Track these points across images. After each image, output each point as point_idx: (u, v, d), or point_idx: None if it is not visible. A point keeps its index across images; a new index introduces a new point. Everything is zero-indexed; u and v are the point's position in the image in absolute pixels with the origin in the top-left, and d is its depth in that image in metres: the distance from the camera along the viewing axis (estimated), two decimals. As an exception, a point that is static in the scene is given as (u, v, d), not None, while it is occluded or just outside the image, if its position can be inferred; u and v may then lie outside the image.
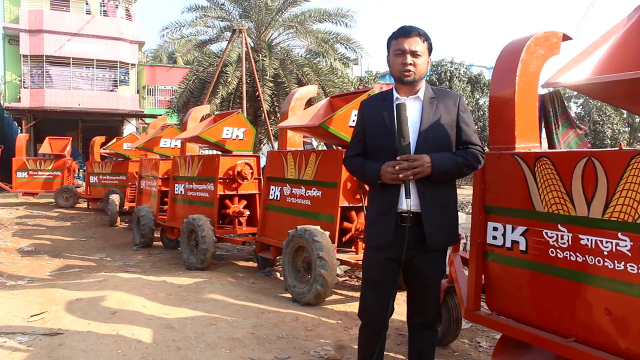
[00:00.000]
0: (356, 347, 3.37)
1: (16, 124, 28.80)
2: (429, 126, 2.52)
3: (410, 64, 2.50)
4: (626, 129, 36.56)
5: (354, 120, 5.15)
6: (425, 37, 2.54)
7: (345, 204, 5.26)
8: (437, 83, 31.59)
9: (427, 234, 2.49)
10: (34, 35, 25.32)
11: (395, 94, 2.61)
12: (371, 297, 2.64)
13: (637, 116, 33.76)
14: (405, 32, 2.53)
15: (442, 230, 2.54)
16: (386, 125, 2.55)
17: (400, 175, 2.41)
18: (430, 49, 2.59)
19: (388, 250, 2.53)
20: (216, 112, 12.22)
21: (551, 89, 4.01)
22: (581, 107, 36.57)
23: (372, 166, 2.55)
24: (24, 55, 25.38)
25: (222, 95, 16.41)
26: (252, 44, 17.17)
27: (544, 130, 5.46)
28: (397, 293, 5.59)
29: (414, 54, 2.51)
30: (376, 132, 2.60)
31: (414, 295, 2.68)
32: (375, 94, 2.81)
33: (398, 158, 2.43)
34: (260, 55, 16.53)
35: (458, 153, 2.55)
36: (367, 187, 3.86)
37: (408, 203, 2.43)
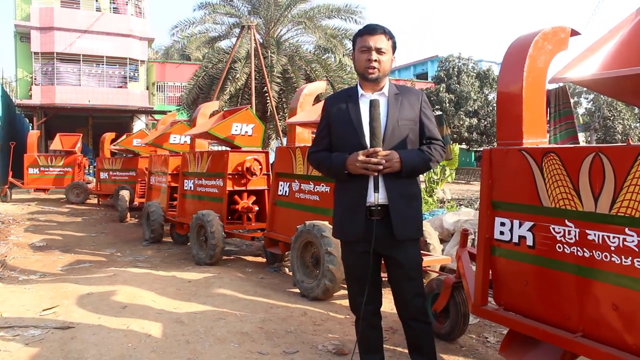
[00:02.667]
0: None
1: (27, 121, 29.06)
2: (394, 121, 2.59)
3: (375, 61, 2.57)
4: (637, 125, 36.19)
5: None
6: (390, 36, 2.63)
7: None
8: (445, 79, 31.44)
9: (394, 226, 2.56)
10: (44, 33, 25.50)
11: (360, 90, 2.67)
12: (356, 290, 2.72)
13: (648, 111, 33.43)
14: (370, 30, 2.61)
15: (409, 221, 2.62)
16: (353, 121, 2.61)
17: (371, 167, 2.47)
18: (394, 47, 2.67)
19: (361, 244, 2.60)
20: (225, 108, 12.25)
21: (559, 84, 3.99)
22: (591, 102, 36.28)
23: (339, 157, 2.61)
24: (35, 53, 25.58)
25: (230, 91, 16.45)
26: (261, 40, 17.19)
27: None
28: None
29: (379, 51, 2.58)
30: (342, 128, 2.66)
31: (396, 288, 2.72)
32: (340, 90, 2.90)
33: (369, 152, 2.49)
34: (269, 51, 16.54)
35: (424, 149, 2.65)
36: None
37: (376, 197, 2.52)
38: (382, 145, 2.51)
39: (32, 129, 23.84)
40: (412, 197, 2.64)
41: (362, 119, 2.60)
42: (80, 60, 26.46)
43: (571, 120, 6.13)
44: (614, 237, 2.26)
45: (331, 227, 4.98)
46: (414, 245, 2.70)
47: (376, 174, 2.50)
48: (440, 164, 12.76)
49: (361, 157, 2.48)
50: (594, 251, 2.34)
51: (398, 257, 2.62)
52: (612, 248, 2.27)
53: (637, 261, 2.18)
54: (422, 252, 5.25)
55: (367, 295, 2.63)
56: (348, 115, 2.63)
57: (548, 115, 5.41)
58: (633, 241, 2.19)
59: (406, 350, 3.60)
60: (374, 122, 2.49)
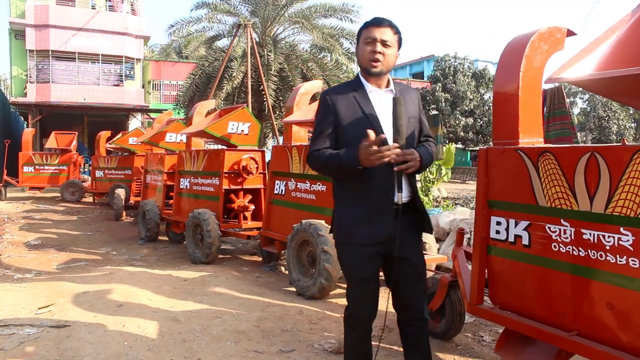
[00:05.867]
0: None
1: (22, 119, 28.95)
2: (406, 119, 2.49)
3: (380, 53, 2.47)
4: (632, 125, 36.35)
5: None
6: (396, 30, 2.52)
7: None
8: (441, 78, 31.49)
9: (427, 223, 2.60)
10: (39, 30, 25.39)
11: (369, 86, 2.54)
12: (365, 295, 2.57)
13: (643, 112, 33.56)
14: (377, 22, 2.50)
15: (426, 215, 2.64)
16: (368, 118, 2.47)
17: (387, 155, 2.32)
18: (400, 43, 2.56)
19: (377, 246, 2.49)
20: (221, 107, 12.24)
21: (555, 84, 4.01)
22: (587, 102, 36.41)
23: (349, 152, 2.41)
24: (30, 50, 25.47)
25: (227, 90, 16.44)
26: (258, 39, 17.17)
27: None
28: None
29: (384, 44, 2.47)
30: (356, 125, 2.47)
31: (404, 288, 2.61)
32: (339, 85, 2.72)
33: (391, 149, 2.33)
34: (266, 50, 16.53)
35: (427, 147, 2.63)
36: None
37: (400, 196, 2.43)
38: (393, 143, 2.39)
39: (27, 127, 23.72)
40: (418, 194, 2.66)
41: (378, 115, 2.49)
42: (75, 58, 26.36)
43: (567, 121, 6.15)
44: (609, 237, 2.28)
45: (327, 225, 5.02)
46: (421, 243, 2.72)
47: (391, 161, 2.35)
48: (436, 163, 12.80)
49: (375, 148, 2.29)
50: (589, 250, 2.36)
51: (412, 257, 2.56)
52: (607, 247, 2.28)
53: (632, 260, 2.19)
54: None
55: (374, 302, 2.59)
56: (361, 112, 2.48)
57: (543, 114, 5.43)
58: (628, 240, 2.21)
59: (402, 349, 3.62)
60: (400, 120, 2.36)
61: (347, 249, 2.58)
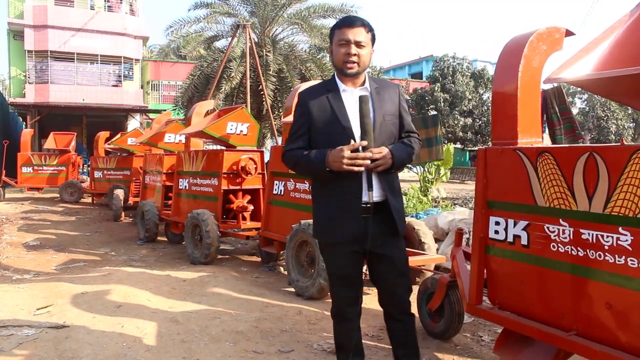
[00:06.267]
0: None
1: (21, 120, 28.90)
2: (381, 117, 2.52)
3: (355, 55, 2.48)
4: (631, 125, 36.40)
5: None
6: (369, 28, 2.52)
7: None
8: (440, 78, 31.49)
9: (397, 222, 2.55)
10: (38, 31, 25.37)
11: (342, 86, 2.57)
12: (346, 292, 2.61)
13: (642, 112, 33.60)
14: (349, 22, 2.50)
15: (402, 216, 2.62)
16: (339, 118, 2.50)
17: (359, 163, 2.36)
18: (373, 40, 2.57)
19: (353, 245, 2.52)
20: (220, 107, 12.24)
21: (554, 84, 4.01)
22: (585, 102, 36.44)
23: (319, 154, 2.46)
24: (28, 51, 25.45)
25: (225, 90, 16.44)
26: (256, 40, 17.18)
27: (546, 126, 5.45)
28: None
29: (358, 45, 2.48)
30: (327, 124, 2.51)
31: (386, 285, 2.64)
32: (315, 84, 2.75)
33: (350, 146, 2.37)
34: (264, 50, 16.54)
35: (406, 143, 2.60)
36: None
37: (370, 195, 2.45)
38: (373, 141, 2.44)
39: (26, 127, 23.71)
40: (398, 192, 2.64)
41: (349, 115, 2.50)
42: (74, 59, 26.35)
43: (568, 116, 6.16)
44: (607, 237, 2.28)
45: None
46: (402, 240, 2.69)
47: (362, 169, 2.39)
48: (435, 163, 12.81)
49: (347, 153, 2.34)
50: (588, 250, 2.36)
51: (391, 254, 2.58)
52: (606, 247, 2.28)
53: (631, 260, 2.19)
54: (417, 251, 5.28)
55: (356, 297, 2.60)
56: (332, 112, 2.51)
57: (549, 116, 5.43)
58: (626, 240, 2.21)
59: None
60: (365, 118, 2.39)
61: (325, 248, 2.66)
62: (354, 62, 2.49)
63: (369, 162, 2.38)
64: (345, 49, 2.48)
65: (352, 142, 2.41)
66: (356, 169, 2.37)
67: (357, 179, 2.46)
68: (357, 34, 2.47)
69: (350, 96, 2.55)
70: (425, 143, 9.32)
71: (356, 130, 2.47)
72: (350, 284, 2.61)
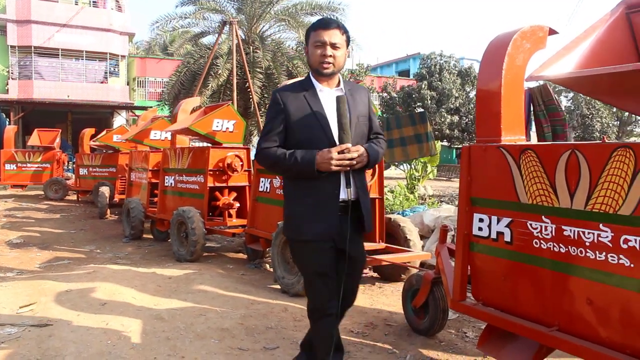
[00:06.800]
0: (344, 337, 3.41)
1: (4, 116, 28.49)
2: (355, 118, 2.60)
3: (330, 56, 2.54)
4: (615, 123, 36.79)
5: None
6: (344, 30, 2.59)
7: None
8: (427, 76, 31.61)
9: (366, 220, 2.63)
10: (21, 26, 25.06)
11: (319, 86, 2.62)
12: (324, 289, 2.60)
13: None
14: (324, 24, 2.56)
15: (369, 215, 2.68)
16: (317, 117, 2.55)
17: (345, 164, 2.46)
18: (348, 42, 2.64)
19: (328, 241, 2.56)
20: (206, 104, 12.18)
21: (540, 82, 4.05)
22: (571, 100, 36.76)
23: (307, 154, 2.49)
24: (11, 46, 25.16)
25: (212, 87, 16.38)
26: (244, 37, 17.12)
27: (533, 124, 5.48)
28: (387, 284, 5.60)
29: (334, 46, 2.55)
30: (306, 123, 2.56)
31: (347, 280, 2.64)
32: (290, 83, 2.83)
33: (341, 148, 2.46)
34: (252, 47, 16.49)
35: (376, 143, 2.70)
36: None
37: (349, 192, 2.53)
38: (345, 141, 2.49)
39: (9, 124, 23.40)
40: (367, 190, 2.71)
41: (327, 114, 2.56)
42: (59, 55, 26.07)
43: (558, 118, 6.18)
44: (589, 233, 2.31)
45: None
46: (362, 239, 2.79)
47: (348, 169, 2.50)
48: (422, 160, 12.87)
49: (335, 155, 2.43)
50: (569, 247, 2.39)
51: (356, 252, 2.65)
52: (587, 243, 2.31)
53: (611, 256, 2.23)
54: (402, 248, 5.31)
55: (334, 292, 2.60)
56: (310, 110, 2.55)
57: (536, 113, 5.45)
58: (607, 237, 2.24)
59: (387, 345, 3.64)
60: (344, 118, 2.46)
61: (299, 246, 2.67)
62: (329, 63, 2.55)
63: (354, 162, 2.47)
64: (321, 50, 2.55)
65: (331, 140, 2.51)
66: (342, 169, 2.47)
67: (335, 177, 2.53)
68: (333, 35, 2.54)
69: (327, 96, 2.61)
70: (414, 139, 9.33)
71: (334, 129, 2.53)
72: (328, 279, 2.62)
